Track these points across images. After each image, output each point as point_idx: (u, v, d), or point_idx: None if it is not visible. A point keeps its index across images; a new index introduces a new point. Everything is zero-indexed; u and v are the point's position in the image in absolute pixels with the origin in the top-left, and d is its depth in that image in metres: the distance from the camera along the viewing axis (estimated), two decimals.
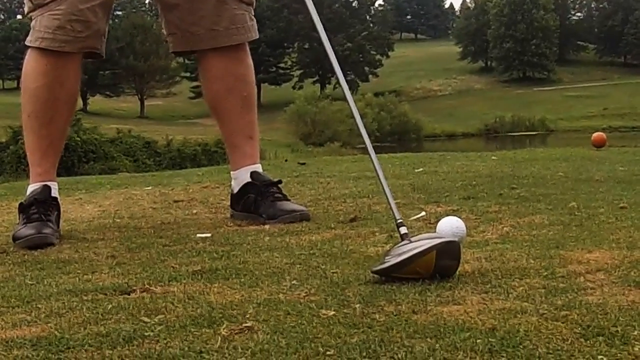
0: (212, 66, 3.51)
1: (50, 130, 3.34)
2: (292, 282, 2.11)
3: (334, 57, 2.73)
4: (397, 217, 2.27)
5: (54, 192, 3.30)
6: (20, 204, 3.26)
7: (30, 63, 3.31)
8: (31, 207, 3.19)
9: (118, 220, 3.60)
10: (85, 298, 2.05)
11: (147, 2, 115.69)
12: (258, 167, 3.56)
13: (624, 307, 1.73)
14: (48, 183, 3.31)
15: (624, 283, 1.95)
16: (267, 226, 3.19)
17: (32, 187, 3.32)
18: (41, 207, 3.18)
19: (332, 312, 1.77)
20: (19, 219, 3.20)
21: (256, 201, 3.42)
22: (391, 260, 2.06)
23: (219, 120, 3.59)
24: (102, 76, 76.18)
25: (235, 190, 3.52)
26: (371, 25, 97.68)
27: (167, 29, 3.52)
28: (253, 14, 3.56)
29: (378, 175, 2.53)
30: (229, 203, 3.60)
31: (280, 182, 3.53)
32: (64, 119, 3.41)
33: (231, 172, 3.61)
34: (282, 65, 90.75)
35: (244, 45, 3.52)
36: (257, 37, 3.57)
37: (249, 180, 3.48)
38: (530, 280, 2.01)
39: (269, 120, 53.93)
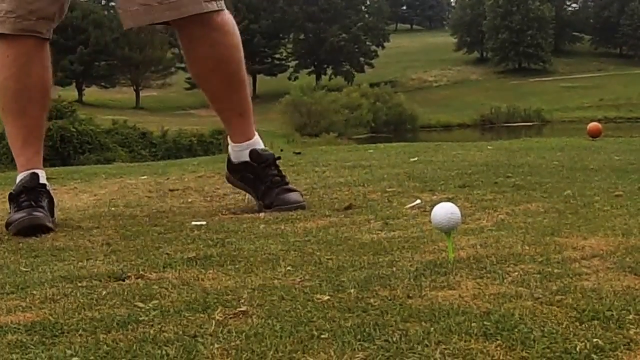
0: (191, 49, 3.43)
1: (25, 120, 3.34)
2: (287, 269, 2.11)
3: None
4: None
5: (42, 179, 3.27)
6: (10, 193, 3.24)
7: None
8: (20, 195, 3.17)
9: (113, 208, 3.60)
10: (79, 284, 2.04)
11: None
12: (256, 143, 3.54)
13: (619, 292, 1.73)
14: (36, 170, 3.29)
15: (619, 269, 1.95)
16: (262, 214, 3.19)
17: (20, 176, 3.30)
18: (30, 194, 3.16)
19: (327, 297, 1.76)
20: (10, 208, 3.19)
21: (254, 182, 3.42)
22: None
23: (208, 100, 3.56)
24: (98, 67, 76.06)
25: (235, 162, 3.52)
26: (367, 15, 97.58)
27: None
28: None
29: None
30: (224, 192, 3.60)
31: (279, 158, 3.53)
32: (39, 108, 3.38)
33: (230, 143, 3.60)
34: (277, 56, 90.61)
35: (210, 23, 3.33)
36: (210, 9, 3.30)
37: (247, 160, 3.48)
38: (525, 266, 2.00)
39: (265, 111, 53.89)
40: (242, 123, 3.54)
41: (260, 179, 3.42)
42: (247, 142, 3.51)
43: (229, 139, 3.59)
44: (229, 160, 3.57)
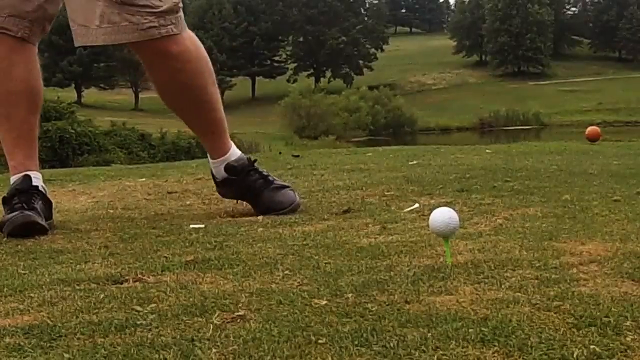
0: (151, 75, 3.35)
1: (12, 124, 3.31)
2: (285, 272, 2.11)
3: None
4: None
5: (35, 182, 3.25)
6: (3, 197, 3.23)
7: None
8: (13, 197, 3.16)
9: (111, 211, 3.60)
10: (77, 287, 2.04)
11: None
12: (231, 156, 3.50)
13: (617, 298, 1.73)
14: (28, 173, 3.26)
15: (616, 274, 1.95)
16: (260, 217, 3.19)
17: (12, 179, 3.30)
18: (23, 197, 3.15)
19: (325, 302, 1.77)
20: (4, 211, 3.18)
21: (241, 194, 3.44)
22: None
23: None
24: (97, 68, 76.00)
25: (219, 179, 3.52)
26: (366, 18, 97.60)
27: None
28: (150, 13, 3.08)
29: None
30: (215, 186, 3.60)
31: (255, 160, 3.52)
32: (25, 112, 3.34)
33: (209, 160, 3.59)
34: (276, 58, 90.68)
35: (165, 53, 3.18)
36: (158, 35, 3.10)
37: (226, 176, 3.47)
38: (523, 271, 2.01)
39: (264, 114, 53.93)
40: (214, 140, 3.51)
41: (246, 188, 3.41)
42: (222, 158, 3.49)
43: (209, 159, 3.59)
44: (213, 176, 3.57)
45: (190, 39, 3.26)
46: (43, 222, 3.00)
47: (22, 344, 1.56)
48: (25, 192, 3.18)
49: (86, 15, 3.08)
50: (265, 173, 3.47)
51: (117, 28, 3.05)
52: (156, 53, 3.17)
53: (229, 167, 3.46)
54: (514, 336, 1.49)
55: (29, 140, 3.38)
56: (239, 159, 3.50)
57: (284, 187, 3.42)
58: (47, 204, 3.24)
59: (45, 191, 3.31)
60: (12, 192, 3.19)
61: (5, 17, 3.23)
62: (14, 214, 3.01)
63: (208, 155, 3.58)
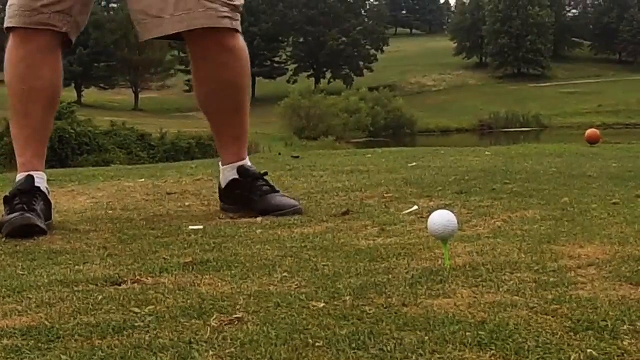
0: (199, 68, 3.46)
1: (28, 121, 3.34)
2: (283, 275, 2.12)
3: None
4: None
5: (38, 182, 3.26)
6: (5, 196, 3.23)
7: (7, 52, 3.35)
8: (14, 197, 3.17)
9: (110, 211, 3.60)
10: (75, 288, 2.04)
11: None
12: (245, 162, 3.55)
13: (614, 301, 1.73)
14: (32, 173, 3.28)
15: (614, 278, 1.95)
16: (259, 219, 3.19)
17: (17, 178, 3.31)
18: (24, 197, 3.15)
19: (322, 304, 1.77)
20: (4, 210, 3.19)
21: (246, 197, 3.42)
22: None
23: (208, 119, 3.57)
24: (97, 68, 75.89)
25: (223, 185, 3.52)
26: (366, 19, 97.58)
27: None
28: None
29: None
30: (218, 196, 3.60)
31: (265, 173, 3.53)
32: (42, 110, 3.39)
33: (220, 166, 3.60)
34: (276, 59, 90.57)
35: (222, 43, 3.34)
36: (223, 25, 3.30)
37: (236, 176, 3.48)
38: (521, 274, 2.01)
39: (263, 114, 53.86)
40: (237, 145, 3.57)
41: (250, 190, 3.42)
42: (238, 163, 3.53)
43: (220, 165, 3.59)
44: (219, 188, 3.58)
45: (243, 40, 3.46)
46: (42, 225, 3.01)
47: (19, 345, 1.56)
48: (26, 192, 3.18)
49: (160, 6, 3.24)
50: (272, 184, 3.50)
51: (193, 14, 3.23)
52: (216, 44, 3.34)
53: (241, 169, 3.49)
54: (511, 340, 1.49)
55: (42, 139, 3.43)
56: (251, 166, 3.56)
57: (291, 199, 3.45)
58: (47, 204, 3.24)
59: (48, 192, 3.33)
60: (14, 192, 3.20)
61: (51, 14, 3.29)
62: (13, 215, 3.02)
63: (221, 160, 3.60)
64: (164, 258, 2.42)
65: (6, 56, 3.34)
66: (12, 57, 3.32)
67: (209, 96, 3.49)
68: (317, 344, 1.50)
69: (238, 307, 1.78)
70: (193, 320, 1.68)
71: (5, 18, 3.30)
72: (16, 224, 2.95)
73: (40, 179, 3.30)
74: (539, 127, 70.28)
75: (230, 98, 3.48)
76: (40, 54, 3.32)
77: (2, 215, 3.14)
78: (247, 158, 3.59)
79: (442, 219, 2.10)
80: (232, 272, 2.18)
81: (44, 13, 3.27)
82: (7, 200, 3.19)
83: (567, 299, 1.75)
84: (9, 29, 3.31)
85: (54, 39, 3.34)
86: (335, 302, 1.79)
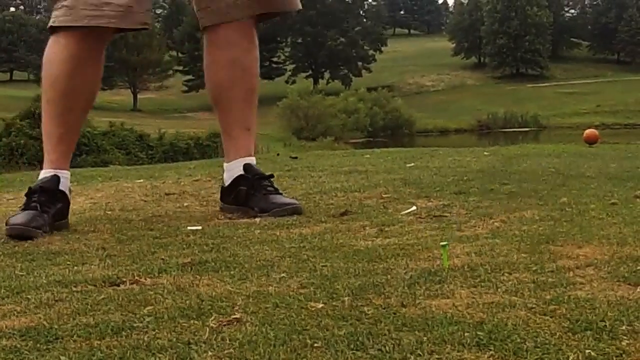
0: (220, 55, 3.51)
1: (66, 118, 3.34)
2: (282, 275, 2.12)
3: None
4: None
5: (62, 185, 3.26)
6: (29, 187, 3.24)
7: (53, 49, 3.31)
8: (34, 194, 3.17)
9: (109, 212, 3.60)
10: (74, 289, 2.04)
11: None
12: (252, 160, 3.54)
13: (613, 302, 1.73)
14: (58, 173, 3.28)
15: (613, 278, 1.95)
16: (257, 219, 3.19)
17: (42, 174, 3.30)
18: (42, 197, 3.15)
19: (321, 305, 1.77)
20: (23, 204, 3.19)
21: (248, 194, 3.41)
22: None
23: (219, 109, 3.58)
24: None
25: (227, 183, 3.50)
26: (364, 20, 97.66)
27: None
28: None
29: None
30: (219, 196, 3.59)
31: (272, 176, 3.53)
32: (82, 109, 3.42)
33: (224, 164, 3.59)
34: (275, 59, 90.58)
35: (251, 36, 3.52)
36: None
37: (242, 172, 3.47)
38: (520, 275, 2.01)
39: (262, 115, 53.59)
40: (247, 138, 3.57)
41: (255, 188, 3.41)
42: (246, 159, 3.53)
43: (224, 164, 3.59)
44: (221, 187, 3.58)
45: None
46: (41, 231, 2.98)
47: (18, 346, 1.56)
48: (48, 192, 3.18)
49: None
50: (276, 186, 3.50)
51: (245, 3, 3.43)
52: (240, 30, 3.49)
53: (248, 165, 3.50)
54: (509, 340, 1.49)
55: (72, 139, 3.45)
56: (257, 167, 3.56)
57: (291, 199, 3.45)
58: (66, 204, 3.25)
59: (70, 191, 3.35)
60: (36, 188, 3.20)
61: (145, 12, 3.32)
62: (19, 221, 3.00)
63: (225, 160, 3.60)
64: (163, 259, 2.42)
65: (54, 51, 3.30)
66: (63, 54, 3.26)
67: (228, 84, 3.53)
68: (315, 344, 1.50)
69: (237, 307, 1.78)
70: (192, 321, 1.68)
71: (57, 16, 3.24)
72: (15, 233, 2.95)
73: (65, 179, 3.30)
74: (538, 127, 70.27)
75: (248, 84, 3.54)
76: (92, 54, 3.33)
77: (18, 209, 3.16)
78: (254, 158, 3.59)
79: None
80: (231, 272, 2.18)
81: (141, 12, 3.28)
82: (28, 194, 3.20)
83: (566, 299, 1.75)
84: (57, 28, 3.26)
85: (103, 41, 3.37)
86: (334, 303, 1.79)
